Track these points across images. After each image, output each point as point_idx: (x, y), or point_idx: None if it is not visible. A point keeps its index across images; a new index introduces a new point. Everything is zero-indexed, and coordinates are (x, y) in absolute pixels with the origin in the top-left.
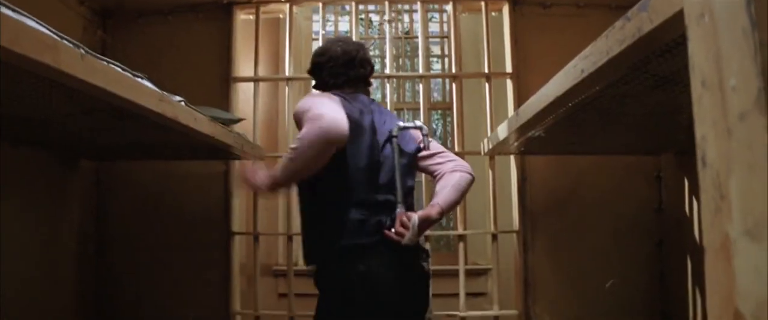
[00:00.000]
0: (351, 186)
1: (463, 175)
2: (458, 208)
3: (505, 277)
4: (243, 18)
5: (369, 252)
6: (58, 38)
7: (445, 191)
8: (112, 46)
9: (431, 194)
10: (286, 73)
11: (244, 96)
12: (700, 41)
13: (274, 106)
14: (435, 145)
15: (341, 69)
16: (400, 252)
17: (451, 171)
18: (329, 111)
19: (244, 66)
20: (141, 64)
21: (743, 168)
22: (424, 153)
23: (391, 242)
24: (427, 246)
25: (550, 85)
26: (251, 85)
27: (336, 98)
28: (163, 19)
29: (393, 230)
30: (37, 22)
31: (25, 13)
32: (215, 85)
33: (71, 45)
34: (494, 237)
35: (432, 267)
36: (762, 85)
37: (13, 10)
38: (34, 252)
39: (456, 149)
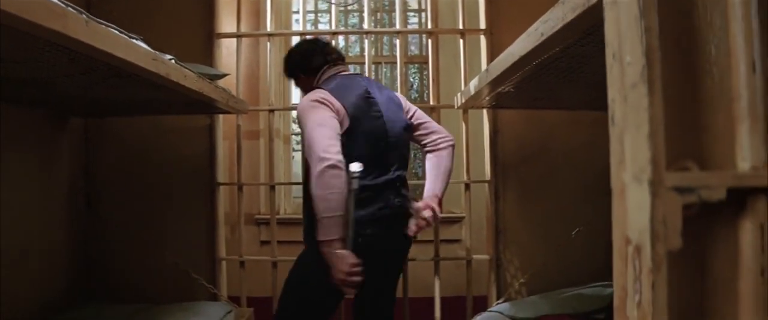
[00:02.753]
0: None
1: (449, 152)
2: None
3: (478, 225)
4: None
5: (371, 222)
6: (65, 6)
7: (439, 178)
8: (97, 5)
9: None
10: (268, 29)
11: (226, 51)
12: (611, 22)
13: (255, 61)
14: (419, 114)
15: (318, 55)
16: (395, 222)
17: (440, 148)
18: (319, 138)
19: (226, 22)
20: (126, 22)
21: (632, 127)
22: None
23: (388, 213)
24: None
25: (515, 46)
26: (234, 40)
27: (328, 98)
28: None
29: (412, 224)
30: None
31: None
32: (199, 42)
33: (76, 11)
34: (467, 186)
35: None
36: (645, 62)
37: None
38: (28, 206)
39: (431, 102)
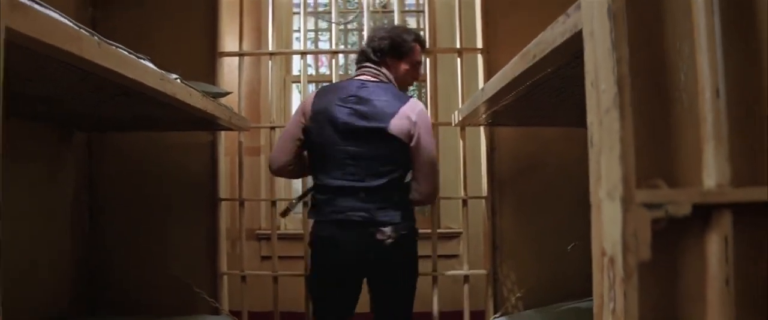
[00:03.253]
0: (315, 173)
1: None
2: None
3: (475, 240)
4: None
5: (326, 224)
6: (78, 28)
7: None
8: (103, 23)
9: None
10: (269, 48)
11: (228, 69)
12: (589, 52)
13: (256, 78)
14: (419, 149)
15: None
16: (354, 227)
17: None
18: (275, 144)
19: (229, 41)
20: (130, 40)
21: (606, 148)
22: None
23: (342, 218)
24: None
25: (509, 66)
26: (236, 59)
27: (306, 101)
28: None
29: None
30: (61, 15)
31: (50, 7)
32: (202, 60)
33: (89, 34)
34: (464, 202)
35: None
36: (617, 89)
37: (40, 5)
38: (34, 218)
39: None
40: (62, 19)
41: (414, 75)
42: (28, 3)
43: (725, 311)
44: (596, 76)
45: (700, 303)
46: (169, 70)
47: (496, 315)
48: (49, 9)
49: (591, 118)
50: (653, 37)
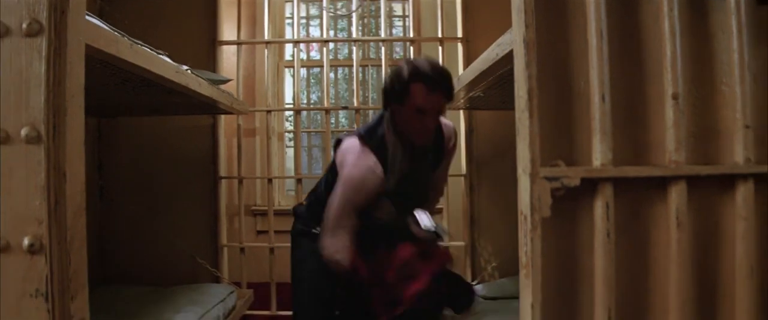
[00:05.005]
0: None
1: None
2: None
3: (455, 215)
4: None
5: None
6: (116, 33)
7: None
8: (110, 13)
9: None
10: (265, 37)
11: (225, 55)
12: (515, 68)
13: (251, 64)
14: None
15: None
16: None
17: None
18: None
19: (227, 30)
20: (136, 30)
21: (522, 138)
22: None
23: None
24: None
25: (479, 60)
26: (234, 47)
27: None
28: None
29: None
30: (101, 22)
31: (92, 15)
32: (203, 48)
33: (122, 36)
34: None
35: None
36: (527, 97)
37: (90, 15)
38: None
39: None
40: (103, 25)
41: (414, 124)
42: (90, 18)
43: (607, 256)
44: (517, 86)
45: (590, 248)
46: (173, 59)
47: (473, 283)
48: (94, 18)
49: (517, 114)
50: (559, 58)
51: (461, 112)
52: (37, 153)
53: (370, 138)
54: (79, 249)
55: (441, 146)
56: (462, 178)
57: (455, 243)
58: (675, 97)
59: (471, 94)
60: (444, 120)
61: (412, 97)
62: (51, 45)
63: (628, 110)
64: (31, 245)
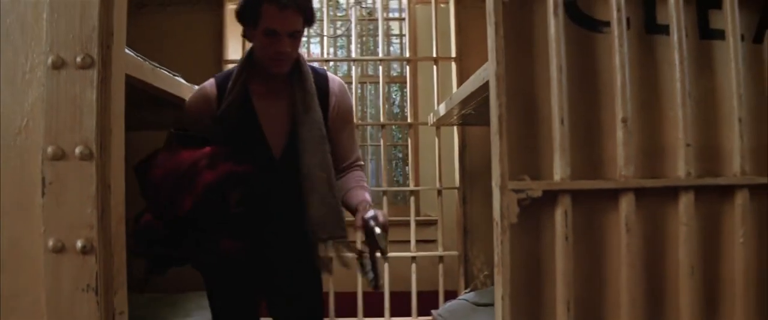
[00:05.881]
0: None
1: None
2: (411, 171)
3: (449, 225)
4: (231, 7)
5: None
6: (141, 59)
7: None
8: None
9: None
10: None
11: None
12: (491, 97)
13: None
14: None
15: None
16: None
17: None
18: None
19: (232, 49)
20: (143, 49)
21: (494, 156)
22: None
23: None
24: None
25: (469, 82)
26: None
27: None
28: (162, 10)
29: None
30: (132, 51)
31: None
32: (209, 67)
33: (144, 61)
34: (439, 192)
35: (392, 218)
36: (498, 122)
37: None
38: None
39: (409, 120)
40: (130, 52)
41: (267, 49)
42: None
43: (566, 256)
44: (491, 112)
45: (551, 250)
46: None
47: (467, 290)
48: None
49: (491, 137)
50: (526, 88)
51: (455, 128)
52: (89, 168)
53: (226, 72)
54: (120, 251)
55: (325, 104)
56: (455, 191)
57: (449, 253)
58: (624, 120)
59: (463, 111)
60: (331, 75)
61: (263, 19)
62: (100, 75)
63: (584, 131)
64: (83, 246)
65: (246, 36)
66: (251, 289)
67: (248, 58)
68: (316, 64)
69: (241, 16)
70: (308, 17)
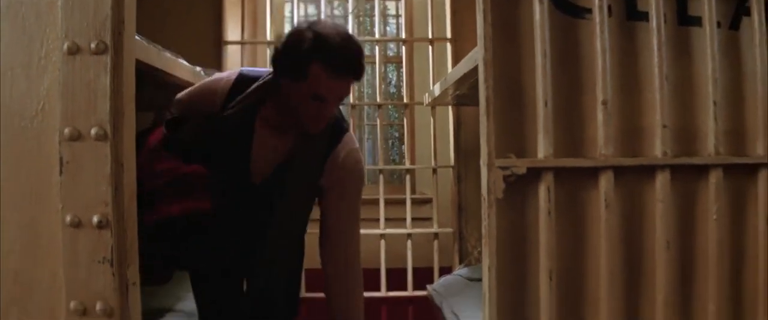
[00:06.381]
0: None
1: None
2: (407, 150)
3: (444, 203)
4: None
5: None
6: (147, 43)
7: None
8: None
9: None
10: (267, 37)
11: (228, 54)
12: (479, 81)
13: (252, 62)
14: None
15: None
16: None
17: None
18: None
19: (231, 31)
20: (144, 30)
21: (482, 135)
22: None
23: None
24: None
25: (461, 64)
26: (238, 47)
27: None
28: None
29: None
30: (139, 36)
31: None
32: (209, 48)
33: (150, 45)
34: (434, 171)
35: (388, 196)
36: (485, 104)
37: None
38: None
39: (405, 100)
40: (138, 37)
41: (309, 110)
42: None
43: (548, 230)
44: (480, 95)
45: (535, 224)
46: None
47: (461, 266)
48: (146, 40)
49: (480, 118)
50: (512, 73)
51: (450, 107)
52: (104, 148)
53: (249, 76)
54: (132, 226)
55: (321, 167)
56: (450, 169)
57: (444, 230)
58: (604, 102)
59: (458, 92)
60: (348, 140)
61: (310, 81)
62: (112, 61)
63: (567, 113)
64: (99, 221)
65: (278, 83)
66: (229, 273)
67: (272, 91)
68: (343, 115)
69: (280, 65)
70: (359, 78)
